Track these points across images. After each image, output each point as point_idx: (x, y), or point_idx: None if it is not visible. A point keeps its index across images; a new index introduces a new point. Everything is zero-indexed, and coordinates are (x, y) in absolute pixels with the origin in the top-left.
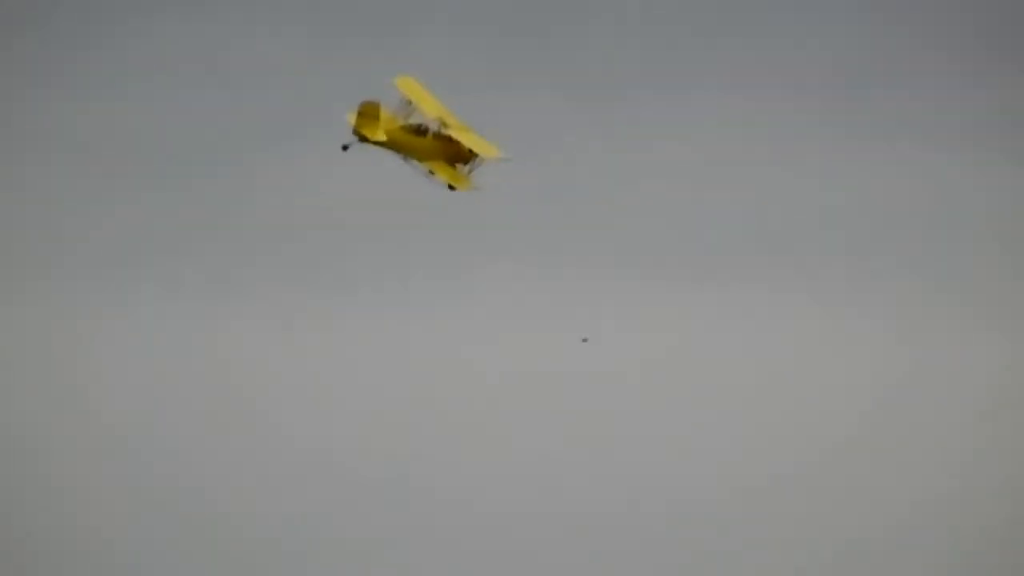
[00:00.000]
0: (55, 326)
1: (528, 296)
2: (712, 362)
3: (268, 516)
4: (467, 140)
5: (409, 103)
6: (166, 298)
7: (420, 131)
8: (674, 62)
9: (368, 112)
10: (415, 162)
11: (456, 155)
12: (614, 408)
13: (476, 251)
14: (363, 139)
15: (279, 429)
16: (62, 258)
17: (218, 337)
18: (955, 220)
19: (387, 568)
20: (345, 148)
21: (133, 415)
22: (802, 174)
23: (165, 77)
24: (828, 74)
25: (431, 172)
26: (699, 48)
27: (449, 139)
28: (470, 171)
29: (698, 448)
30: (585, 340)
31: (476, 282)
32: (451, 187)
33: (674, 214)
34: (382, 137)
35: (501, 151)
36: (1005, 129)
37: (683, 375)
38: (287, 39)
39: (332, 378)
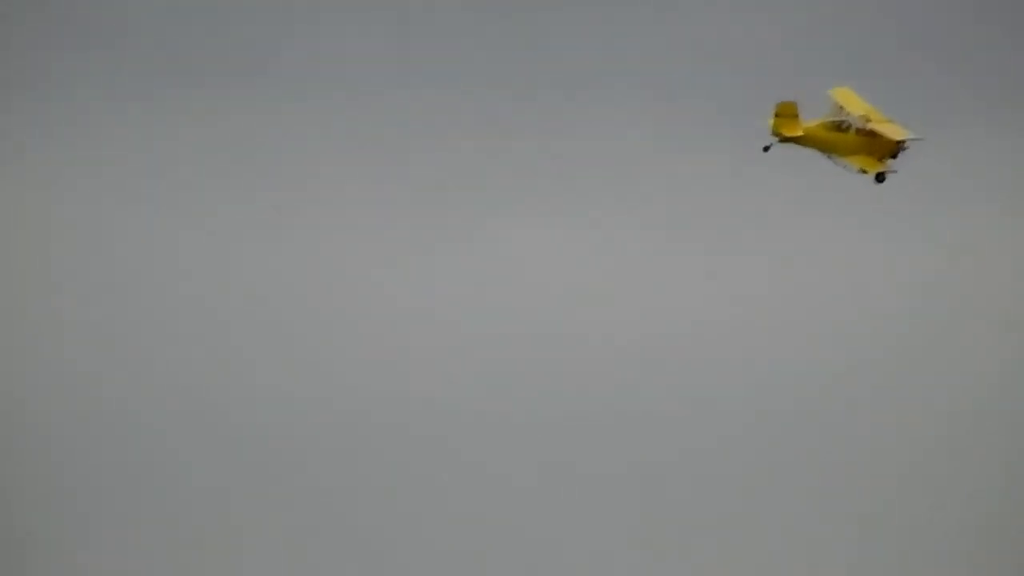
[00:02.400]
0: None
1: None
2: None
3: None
4: (890, 131)
5: (841, 109)
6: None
7: (841, 128)
8: None
9: (785, 112)
10: (837, 158)
11: (879, 148)
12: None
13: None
14: (783, 139)
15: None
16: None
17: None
18: None
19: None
20: (766, 149)
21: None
22: None
23: None
24: None
25: (859, 169)
26: None
27: (872, 133)
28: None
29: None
30: None
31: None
32: (878, 179)
33: None
34: (799, 133)
35: (910, 132)
36: None
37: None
38: None
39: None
